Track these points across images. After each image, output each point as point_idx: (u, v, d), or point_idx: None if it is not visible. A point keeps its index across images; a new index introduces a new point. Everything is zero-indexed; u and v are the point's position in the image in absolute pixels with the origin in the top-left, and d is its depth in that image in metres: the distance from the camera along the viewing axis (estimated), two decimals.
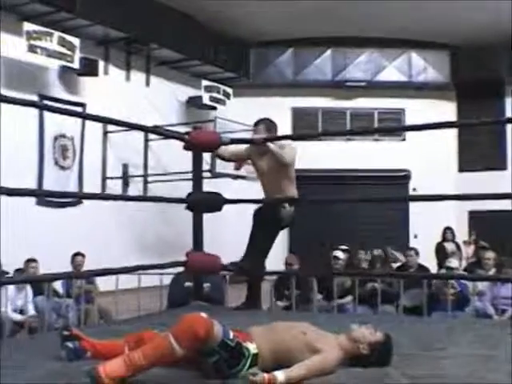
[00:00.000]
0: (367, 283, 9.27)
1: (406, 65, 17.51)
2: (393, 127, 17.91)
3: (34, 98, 11.74)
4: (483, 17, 15.17)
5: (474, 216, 16.57)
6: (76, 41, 12.25)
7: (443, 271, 10.38)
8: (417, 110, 17.39)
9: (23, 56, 11.43)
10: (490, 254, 10.01)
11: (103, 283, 9.44)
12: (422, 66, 17.50)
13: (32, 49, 11.40)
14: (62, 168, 12.72)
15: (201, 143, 6.60)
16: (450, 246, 13.19)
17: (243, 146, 6.96)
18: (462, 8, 14.82)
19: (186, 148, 6.66)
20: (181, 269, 6.94)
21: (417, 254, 10.16)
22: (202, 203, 6.62)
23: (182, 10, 14.66)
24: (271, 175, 6.64)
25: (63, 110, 5.58)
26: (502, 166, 17.29)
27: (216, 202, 6.73)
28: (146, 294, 8.57)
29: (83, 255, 10.21)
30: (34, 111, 11.61)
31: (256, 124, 6.79)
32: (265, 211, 6.62)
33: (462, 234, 14.82)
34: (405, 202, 16.52)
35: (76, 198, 12.44)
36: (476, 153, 17.55)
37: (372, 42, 17.32)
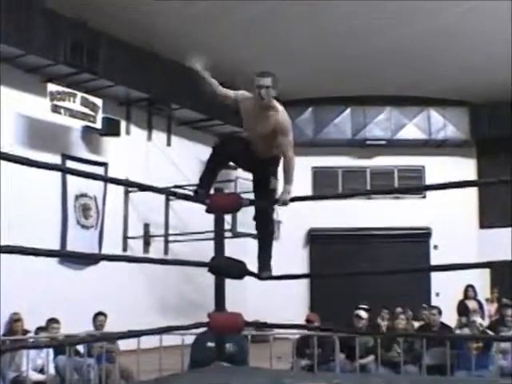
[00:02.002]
0: (391, 344, 9.17)
1: (425, 122, 17.59)
2: (412, 187, 17.92)
3: (58, 157, 11.90)
4: (501, 74, 15.26)
5: (496, 272, 16.42)
6: (99, 101, 12.44)
7: (466, 330, 10.27)
8: (437, 167, 17.40)
9: (47, 116, 11.63)
10: None
11: (124, 342, 9.39)
12: (442, 124, 17.57)
13: (55, 109, 11.60)
14: (84, 227, 12.80)
15: (222, 206, 6.62)
16: (472, 304, 13.05)
17: (231, 91, 6.05)
18: (480, 65, 14.96)
19: (207, 211, 6.68)
20: (203, 328, 6.92)
21: (440, 312, 10.07)
22: (225, 270, 6.61)
23: None
24: (265, 141, 5.70)
25: (86, 173, 5.59)
26: None
27: (239, 271, 6.71)
28: (168, 353, 8.51)
29: (105, 315, 10.19)
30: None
31: (264, 75, 5.68)
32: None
33: (484, 291, 14.70)
34: (427, 259, 16.45)
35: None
36: (497, 209, 17.48)
37: (391, 100, 17.44)
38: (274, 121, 5.60)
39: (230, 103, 5.98)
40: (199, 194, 6.15)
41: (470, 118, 17.62)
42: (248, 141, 5.81)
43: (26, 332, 9.37)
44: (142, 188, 7.26)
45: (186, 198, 6.24)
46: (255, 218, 6.34)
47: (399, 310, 12.84)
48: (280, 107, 5.67)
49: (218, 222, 6.86)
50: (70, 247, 12.14)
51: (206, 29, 13.26)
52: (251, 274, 6.43)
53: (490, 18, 12.92)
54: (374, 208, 17.47)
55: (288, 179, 5.73)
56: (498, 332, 9.55)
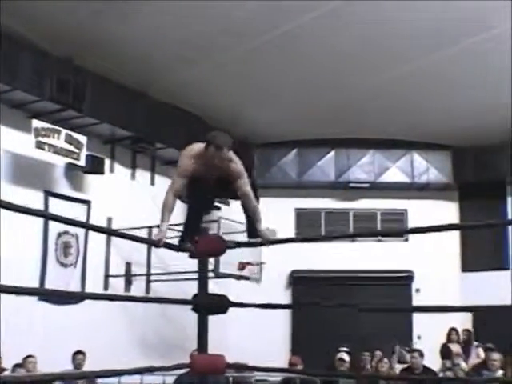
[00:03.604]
0: None
1: (408, 166, 17.67)
2: (394, 230, 17.92)
3: (40, 193, 11.85)
4: (483, 119, 15.42)
5: (478, 317, 16.39)
6: (83, 138, 12.42)
7: (449, 373, 10.24)
8: (419, 210, 17.43)
9: (31, 152, 11.57)
10: (496, 356, 9.90)
11: (105, 381, 9.31)
12: (425, 167, 17.66)
13: (40, 145, 11.56)
14: (64, 265, 12.69)
15: (206, 251, 6.60)
16: (455, 348, 13.03)
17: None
18: (463, 110, 15.10)
19: (191, 256, 6.65)
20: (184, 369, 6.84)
21: (421, 355, 10.04)
22: (208, 305, 6.57)
23: (187, 110, 14.89)
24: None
25: (69, 219, 5.51)
26: (504, 266, 17.20)
27: (222, 305, 6.67)
28: None
29: (84, 353, 10.10)
30: (39, 206, 11.67)
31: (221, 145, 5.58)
32: None
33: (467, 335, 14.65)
34: (409, 302, 16.42)
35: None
36: (479, 253, 17.50)
37: (375, 144, 17.52)
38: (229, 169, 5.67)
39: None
40: (182, 246, 6.08)
41: (452, 162, 17.71)
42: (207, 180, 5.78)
43: (2, 370, 9.25)
44: (124, 236, 7.16)
45: (168, 247, 6.17)
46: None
47: (379, 353, 12.81)
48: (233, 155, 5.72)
49: (203, 265, 6.83)
50: (49, 285, 12.02)
51: (192, 70, 13.31)
52: (235, 304, 6.42)
53: (475, 62, 13.05)
54: (357, 251, 17.44)
55: (258, 220, 5.95)
56: (481, 376, 9.54)
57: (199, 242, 6.61)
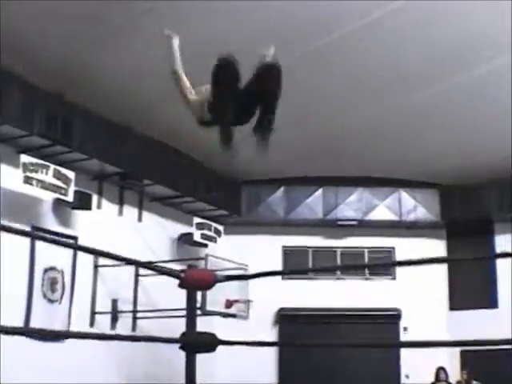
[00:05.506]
0: None
1: (396, 204, 17.71)
2: (382, 264, 17.94)
3: (27, 229, 11.74)
4: (470, 157, 15.51)
5: (466, 355, 16.34)
6: (71, 174, 12.37)
7: None
8: (407, 248, 17.42)
9: (19, 187, 11.49)
10: None
11: None
12: (413, 205, 17.70)
13: (28, 180, 11.49)
14: (50, 301, 12.56)
15: (196, 281, 6.55)
16: None
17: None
18: (447, 148, 15.19)
19: (180, 286, 6.59)
20: None
21: None
22: (197, 343, 6.51)
23: (176, 147, 14.91)
24: None
25: (55, 240, 5.50)
26: (492, 305, 17.19)
27: (211, 344, 6.61)
28: None
29: None
30: (26, 242, 11.59)
31: None
32: None
33: (454, 373, 14.62)
34: (397, 341, 16.36)
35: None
36: (467, 291, 17.51)
37: (363, 181, 17.58)
38: None
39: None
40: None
41: (440, 200, 17.77)
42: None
43: None
44: (113, 258, 7.13)
45: (159, 272, 6.12)
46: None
47: None
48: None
49: (191, 298, 6.77)
50: (35, 321, 11.89)
51: (181, 107, 13.31)
52: (224, 342, 6.35)
53: (462, 100, 13.13)
54: (344, 289, 17.42)
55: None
56: None
57: (189, 272, 6.57)
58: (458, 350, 16.65)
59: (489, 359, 15.29)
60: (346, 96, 13.14)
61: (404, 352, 16.86)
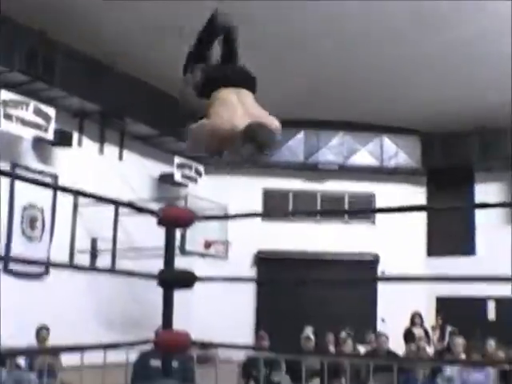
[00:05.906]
0: (338, 369, 9.13)
1: (378, 149, 17.72)
2: (361, 210, 17.99)
3: (7, 166, 11.66)
4: (453, 104, 15.50)
5: (442, 301, 16.57)
6: (52, 111, 12.25)
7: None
8: (387, 194, 17.47)
9: None
10: (460, 341, 10.00)
11: (68, 357, 9.24)
12: (394, 151, 17.72)
13: (7, 117, 11.38)
14: (30, 238, 12.55)
15: (175, 219, 6.53)
16: (418, 331, 13.13)
17: None
18: (433, 96, 15.16)
19: (159, 223, 6.57)
20: (145, 347, 6.80)
21: (386, 338, 10.10)
22: (175, 280, 6.52)
23: (158, 86, 14.76)
24: None
25: (34, 180, 5.46)
26: (470, 252, 17.36)
27: (188, 280, 6.63)
28: (112, 370, 8.37)
29: (48, 329, 10.02)
30: (5, 180, 11.52)
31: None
32: None
33: (430, 319, 14.79)
34: (373, 285, 16.51)
35: (42, 271, 12.25)
36: (444, 238, 17.65)
37: (345, 126, 17.53)
38: None
39: None
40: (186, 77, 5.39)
41: (422, 147, 17.80)
42: None
43: None
44: (93, 197, 7.09)
45: (138, 210, 6.09)
46: None
47: (344, 334, 12.88)
48: None
49: (169, 236, 6.76)
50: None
51: (165, 46, 13.17)
52: (202, 279, 6.37)
53: (450, 48, 13.08)
54: (323, 232, 17.48)
55: None
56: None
57: (168, 210, 6.55)
58: (433, 296, 16.88)
59: (463, 306, 15.53)
60: (331, 40, 13.04)
61: (381, 297, 17.06)
